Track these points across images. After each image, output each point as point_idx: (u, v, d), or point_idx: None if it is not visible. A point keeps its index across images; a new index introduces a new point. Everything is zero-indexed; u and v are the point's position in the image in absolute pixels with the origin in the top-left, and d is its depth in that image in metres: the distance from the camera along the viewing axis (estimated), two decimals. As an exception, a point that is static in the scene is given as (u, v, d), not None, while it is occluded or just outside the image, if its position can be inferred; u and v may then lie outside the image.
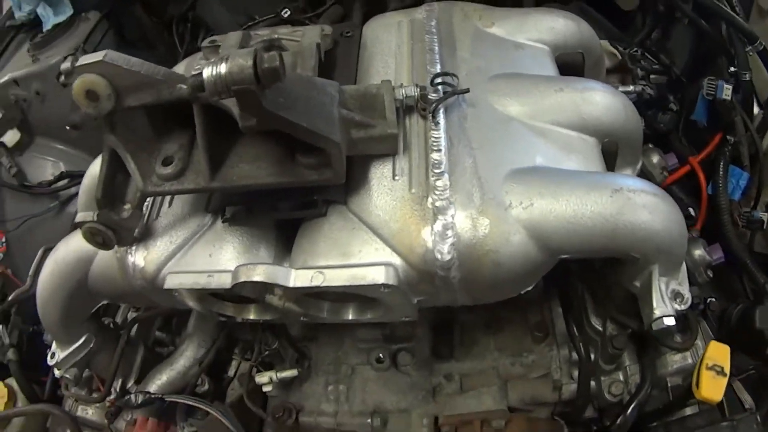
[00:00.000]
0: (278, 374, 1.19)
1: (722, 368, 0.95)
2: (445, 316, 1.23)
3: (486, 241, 0.81)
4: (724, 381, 0.95)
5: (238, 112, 0.77)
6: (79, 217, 0.96)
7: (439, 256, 0.82)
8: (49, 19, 1.73)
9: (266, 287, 0.90)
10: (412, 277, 0.85)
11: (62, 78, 1.59)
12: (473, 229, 0.82)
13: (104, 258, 1.02)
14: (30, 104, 1.71)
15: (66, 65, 1.57)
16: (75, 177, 1.72)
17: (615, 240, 0.86)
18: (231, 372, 1.33)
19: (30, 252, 1.63)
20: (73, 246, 1.07)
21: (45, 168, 1.77)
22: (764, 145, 1.40)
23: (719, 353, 0.96)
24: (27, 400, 1.40)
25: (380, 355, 1.21)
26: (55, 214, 1.73)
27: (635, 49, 1.47)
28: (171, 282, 0.94)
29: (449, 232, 0.82)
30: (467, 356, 1.22)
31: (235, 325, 1.28)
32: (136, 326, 1.33)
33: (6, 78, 1.69)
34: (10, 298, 1.47)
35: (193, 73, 0.79)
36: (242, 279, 0.87)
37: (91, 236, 0.94)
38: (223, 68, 0.70)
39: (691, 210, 1.33)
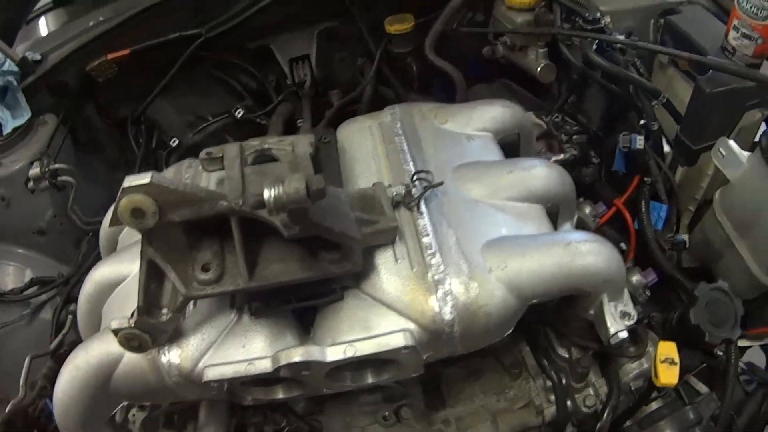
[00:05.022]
0: (301, 444, 1.50)
1: (672, 359, 1.34)
2: (431, 374, 1.53)
3: (478, 299, 1.18)
4: (677, 368, 1.33)
5: (281, 224, 1.04)
6: (114, 324, 1.13)
7: (444, 317, 1.17)
8: (8, 122, 1.92)
9: (301, 366, 1.17)
10: (423, 337, 1.19)
11: (31, 183, 1.87)
12: (467, 292, 1.18)
13: (132, 360, 1.23)
14: None
15: (35, 171, 1.86)
16: (45, 284, 1.92)
17: (571, 281, 1.24)
18: (246, 454, 1.59)
19: (3, 361, 1.85)
20: (94, 351, 1.26)
21: (9, 274, 1.95)
22: (677, 178, 1.80)
23: (668, 348, 1.36)
24: None
25: (386, 413, 1.52)
26: (27, 322, 1.91)
27: (556, 115, 1.92)
28: (212, 374, 1.18)
29: (449, 297, 1.18)
30: (458, 402, 1.57)
31: (241, 410, 1.58)
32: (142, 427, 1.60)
33: (-33, 182, 1.86)
34: (8, 408, 1.59)
35: (252, 193, 1.04)
36: (283, 362, 1.14)
37: (127, 341, 1.14)
38: (281, 190, 0.97)
39: (622, 245, 1.72)
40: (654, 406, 1.59)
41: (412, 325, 1.19)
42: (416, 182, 1.34)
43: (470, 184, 1.38)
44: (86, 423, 1.32)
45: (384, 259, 1.25)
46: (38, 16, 2.39)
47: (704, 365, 1.62)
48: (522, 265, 1.22)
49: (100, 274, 1.46)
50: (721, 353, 1.54)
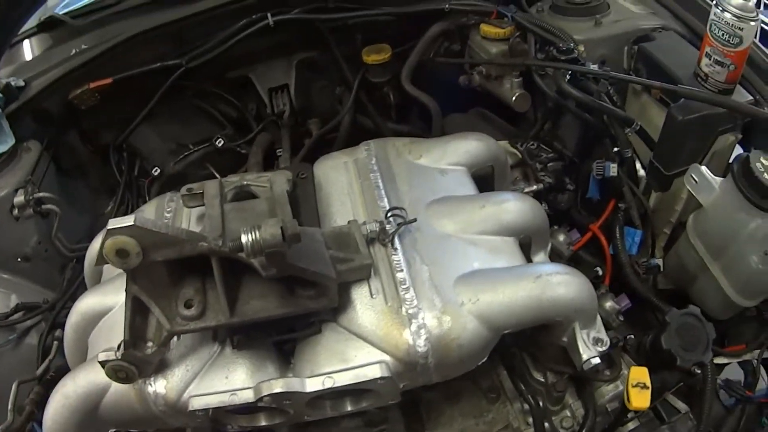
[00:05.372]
0: (282, 472, 1.56)
1: (644, 383, 1.42)
2: (410, 397, 1.61)
3: (450, 332, 1.26)
4: (648, 392, 1.41)
5: (260, 265, 1.13)
6: (102, 357, 1.20)
7: (418, 350, 1.25)
8: None
9: (282, 397, 1.25)
10: (399, 368, 1.27)
11: (15, 211, 1.92)
12: (439, 326, 1.26)
13: (120, 389, 1.30)
14: None
15: (19, 199, 1.91)
16: (31, 309, 1.94)
17: (542, 312, 1.33)
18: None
19: None
20: (81, 381, 1.34)
21: None
22: (652, 202, 1.87)
23: (639, 373, 1.44)
24: None
25: (365, 438, 1.63)
26: (12, 347, 1.93)
27: (531, 142, 2.00)
28: (197, 404, 1.26)
29: (422, 331, 1.26)
30: (437, 426, 1.65)
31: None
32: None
33: (-48, 209, 1.89)
34: None
35: (231, 237, 1.12)
36: (265, 392, 1.22)
37: (114, 373, 1.21)
38: (258, 235, 1.05)
39: (598, 269, 1.81)
40: (631, 426, 1.67)
41: (387, 357, 1.28)
42: (390, 219, 1.42)
43: (443, 219, 1.47)
44: (77, 451, 1.38)
45: (360, 294, 1.34)
46: (22, 39, 2.44)
47: (681, 384, 1.69)
48: (493, 298, 1.31)
49: (85, 305, 1.54)
50: (699, 371, 1.59)
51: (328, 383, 1.25)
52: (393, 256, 1.38)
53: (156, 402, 1.31)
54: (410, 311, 1.29)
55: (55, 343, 1.93)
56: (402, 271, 1.35)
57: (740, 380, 1.77)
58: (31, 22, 2.37)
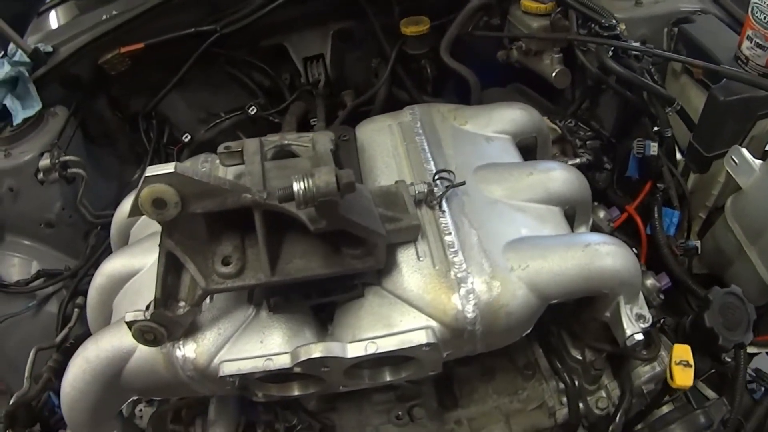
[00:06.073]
0: (311, 443, 1.49)
1: (687, 361, 1.36)
2: (444, 372, 1.50)
3: (499, 298, 1.19)
4: (691, 370, 1.35)
5: (307, 218, 1.05)
6: (129, 317, 1.12)
7: (467, 315, 1.18)
8: (18, 113, 1.92)
9: (321, 362, 1.17)
10: (445, 334, 1.20)
11: (40, 175, 1.87)
12: (489, 291, 1.20)
13: (146, 353, 1.23)
14: (1, 200, 1.90)
15: (45, 162, 1.86)
16: (52, 276, 1.92)
17: (590, 282, 1.26)
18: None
19: (7, 353, 1.87)
20: (105, 344, 1.25)
21: (14, 266, 1.95)
22: (689, 185, 1.81)
23: (682, 351, 1.37)
24: None
25: (399, 413, 1.54)
26: (32, 314, 1.91)
27: (570, 120, 1.94)
28: (228, 369, 1.18)
29: (471, 296, 1.19)
30: (470, 402, 1.58)
31: (251, 407, 1.58)
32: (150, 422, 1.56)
33: (-24, 173, 1.87)
34: (12, 401, 1.58)
35: (278, 186, 1.03)
36: (303, 357, 1.14)
37: (142, 334, 1.13)
38: (311, 183, 0.97)
39: (633, 249, 1.76)
40: (665, 409, 1.61)
41: (433, 323, 1.20)
42: (438, 181, 1.35)
43: (491, 185, 1.40)
44: (94, 417, 1.31)
45: (406, 257, 1.26)
46: (49, 9, 2.38)
47: (713, 371, 1.64)
48: (542, 265, 1.24)
49: (111, 267, 1.46)
50: (730, 359, 1.55)
51: (371, 349, 1.18)
52: (441, 219, 1.30)
53: (184, 367, 1.22)
54: (459, 275, 1.22)
55: (76, 310, 1.90)
56: (450, 234, 1.28)
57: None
58: (60, -10, 2.30)
